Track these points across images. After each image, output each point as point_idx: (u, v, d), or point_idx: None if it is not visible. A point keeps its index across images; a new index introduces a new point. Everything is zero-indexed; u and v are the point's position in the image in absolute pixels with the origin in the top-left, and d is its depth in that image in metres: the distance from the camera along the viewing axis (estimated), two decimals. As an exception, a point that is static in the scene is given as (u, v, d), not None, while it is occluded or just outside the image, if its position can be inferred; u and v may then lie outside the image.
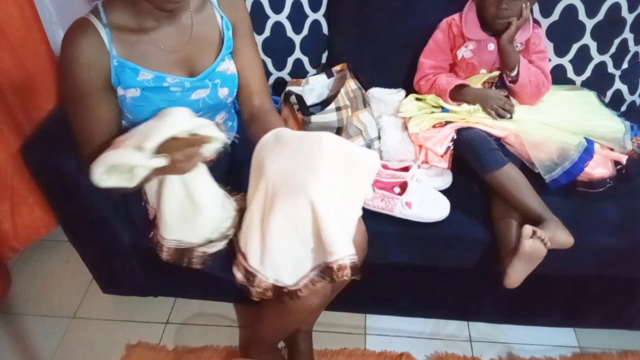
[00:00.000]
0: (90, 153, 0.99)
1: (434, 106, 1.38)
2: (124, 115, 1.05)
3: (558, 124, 1.29)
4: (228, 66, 1.11)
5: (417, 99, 1.43)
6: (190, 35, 1.05)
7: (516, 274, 1.14)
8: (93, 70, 0.95)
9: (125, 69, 0.97)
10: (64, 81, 0.97)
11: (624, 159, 1.27)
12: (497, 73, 1.39)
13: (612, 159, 1.28)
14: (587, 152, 1.23)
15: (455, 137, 1.31)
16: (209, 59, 1.07)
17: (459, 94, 1.36)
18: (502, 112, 1.30)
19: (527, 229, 1.10)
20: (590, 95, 1.43)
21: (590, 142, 1.25)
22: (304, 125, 1.30)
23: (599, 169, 1.25)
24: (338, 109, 1.29)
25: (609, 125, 1.31)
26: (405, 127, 1.39)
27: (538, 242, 1.10)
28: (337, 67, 1.47)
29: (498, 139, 1.29)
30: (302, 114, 1.30)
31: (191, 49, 1.05)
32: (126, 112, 1.03)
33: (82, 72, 0.95)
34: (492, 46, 1.37)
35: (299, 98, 1.33)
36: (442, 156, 1.33)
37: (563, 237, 1.13)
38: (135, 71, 0.98)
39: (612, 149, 1.29)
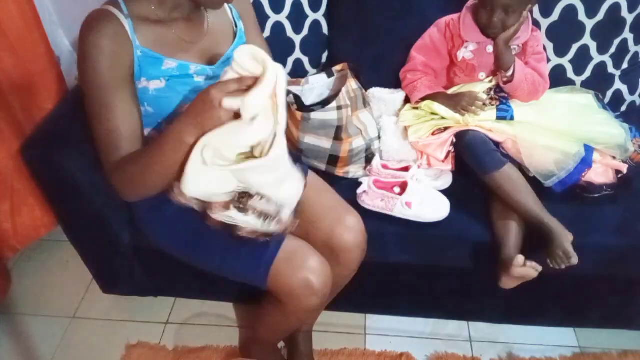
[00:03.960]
0: (117, 159, 0.95)
1: (432, 113, 1.37)
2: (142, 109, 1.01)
3: (559, 130, 1.28)
4: None
5: (414, 108, 1.43)
6: (207, 27, 1.05)
7: (508, 284, 1.17)
8: (118, 60, 0.91)
9: (149, 59, 0.95)
10: (86, 74, 0.91)
11: (624, 168, 1.26)
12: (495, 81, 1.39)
13: (613, 168, 1.27)
14: (584, 163, 1.23)
15: (454, 140, 1.31)
16: (225, 50, 1.08)
17: (432, 97, 1.38)
18: (469, 109, 1.31)
19: (519, 259, 1.11)
20: (589, 98, 1.42)
21: (588, 152, 1.24)
22: (302, 122, 1.29)
23: (599, 178, 1.25)
24: (339, 107, 1.29)
25: (610, 132, 1.30)
26: (406, 129, 1.39)
27: (528, 269, 1.12)
28: (338, 67, 1.46)
29: (496, 144, 1.29)
30: (300, 111, 1.29)
31: (208, 40, 1.05)
32: (147, 105, 1.00)
33: (107, 61, 0.90)
34: (490, 48, 1.37)
35: (297, 97, 1.33)
36: (443, 161, 1.33)
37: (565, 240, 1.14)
38: (159, 61, 0.96)
39: (613, 157, 1.28)
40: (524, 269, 1.11)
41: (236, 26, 1.11)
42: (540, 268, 1.12)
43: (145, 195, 1.00)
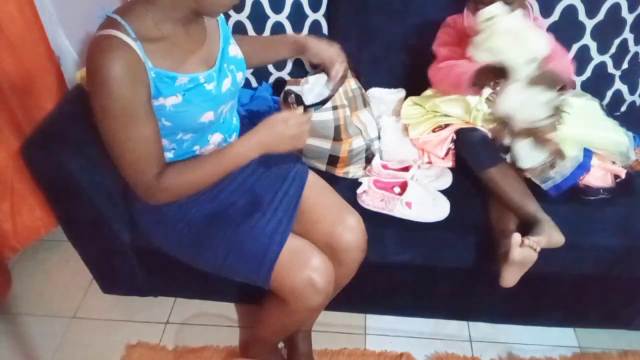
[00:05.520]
0: (150, 178, 0.97)
1: (435, 111, 1.37)
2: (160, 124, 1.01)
3: (559, 132, 1.28)
4: (237, 51, 1.13)
5: (416, 103, 1.42)
6: (205, 32, 1.06)
7: (510, 277, 1.15)
8: (137, 87, 0.90)
9: (163, 78, 0.94)
10: (106, 106, 0.89)
11: (623, 173, 1.26)
12: None
13: (612, 172, 1.27)
14: (582, 167, 1.22)
15: (454, 137, 1.31)
16: (218, 45, 1.09)
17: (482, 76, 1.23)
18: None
19: (516, 237, 1.10)
20: (594, 106, 1.41)
21: (587, 156, 1.24)
22: None
23: (597, 182, 1.25)
24: (335, 107, 1.27)
25: (614, 138, 1.28)
26: (406, 128, 1.39)
27: (527, 249, 1.10)
28: None
29: None
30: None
31: (208, 45, 1.05)
32: (164, 120, 0.99)
33: (128, 91, 0.89)
34: None
35: (298, 97, 1.32)
36: (443, 158, 1.33)
37: (555, 237, 1.14)
38: (173, 78, 0.96)
39: (613, 162, 1.28)
40: (524, 249, 1.09)
41: (219, 20, 1.12)
42: (538, 247, 1.10)
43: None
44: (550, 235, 1.13)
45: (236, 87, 1.11)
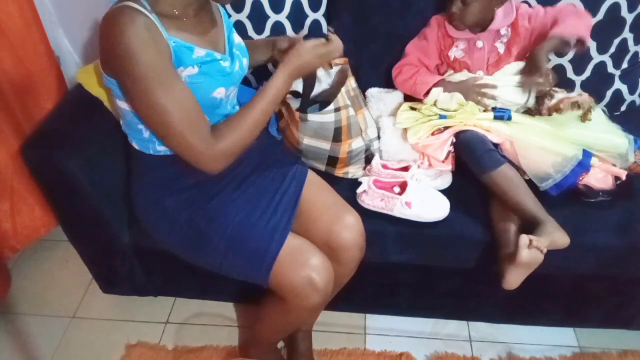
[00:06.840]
0: (208, 133, 0.97)
1: (430, 115, 1.36)
2: None
3: (557, 133, 1.28)
4: (239, 39, 1.18)
5: (412, 108, 1.41)
6: (214, 18, 1.10)
7: (514, 279, 1.14)
8: (161, 48, 0.92)
9: (182, 48, 0.97)
10: (138, 76, 0.89)
11: (623, 175, 1.26)
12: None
13: (613, 174, 1.27)
14: (581, 166, 1.22)
15: (454, 140, 1.31)
16: (223, 34, 1.13)
17: (437, 86, 1.37)
18: (484, 103, 1.33)
19: (524, 239, 1.09)
20: (596, 109, 1.41)
21: (587, 156, 1.24)
22: (301, 122, 1.28)
23: (598, 183, 1.25)
24: (337, 109, 1.27)
25: (613, 140, 1.28)
26: (405, 130, 1.39)
27: (535, 251, 1.09)
28: (337, 60, 1.44)
29: (495, 146, 1.28)
30: (299, 111, 1.27)
31: (216, 31, 1.10)
32: None
33: (155, 54, 0.90)
34: (480, 44, 1.37)
35: (296, 93, 1.30)
36: (443, 162, 1.33)
37: (560, 238, 1.13)
38: (191, 49, 0.99)
39: (614, 165, 1.27)
40: (532, 251, 1.09)
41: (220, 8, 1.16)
42: (545, 250, 1.10)
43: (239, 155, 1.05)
44: (553, 236, 1.13)
45: (243, 72, 1.15)
